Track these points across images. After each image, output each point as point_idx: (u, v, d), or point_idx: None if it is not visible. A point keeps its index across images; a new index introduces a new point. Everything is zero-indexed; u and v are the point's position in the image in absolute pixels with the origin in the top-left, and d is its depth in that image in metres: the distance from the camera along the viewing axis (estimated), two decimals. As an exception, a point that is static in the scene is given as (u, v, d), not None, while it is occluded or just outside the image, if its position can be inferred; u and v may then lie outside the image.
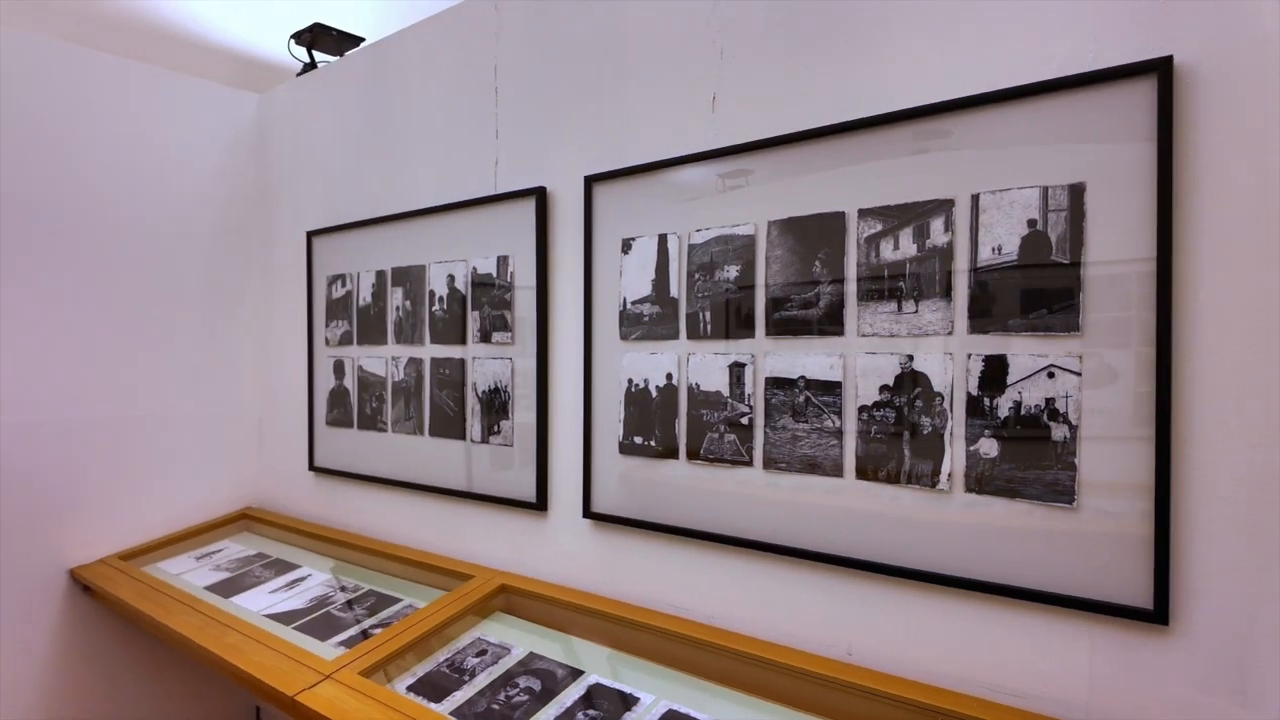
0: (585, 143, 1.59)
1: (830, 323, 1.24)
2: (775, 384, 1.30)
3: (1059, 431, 1.04)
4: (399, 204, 2.00)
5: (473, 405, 1.80)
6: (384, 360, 2.03)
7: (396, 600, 1.79)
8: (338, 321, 2.17)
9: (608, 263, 1.54)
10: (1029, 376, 1.06)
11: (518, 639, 1.54)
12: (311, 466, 2.25)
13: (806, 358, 1.27)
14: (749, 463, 1.34)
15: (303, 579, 1.98)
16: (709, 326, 1.39)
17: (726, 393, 1.37)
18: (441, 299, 1.87)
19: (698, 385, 1.40)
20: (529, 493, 1.69)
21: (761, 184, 1.32)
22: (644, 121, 1.50)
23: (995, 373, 1.09)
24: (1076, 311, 1.02)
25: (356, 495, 2.13)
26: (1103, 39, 1.01)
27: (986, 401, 1.10)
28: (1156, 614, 0.96)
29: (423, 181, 1.94)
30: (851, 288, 1.22)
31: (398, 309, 1.99)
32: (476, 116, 1.80)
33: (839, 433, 1.23)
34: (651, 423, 1.47)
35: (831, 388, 1.24)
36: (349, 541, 2.07)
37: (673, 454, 1.44)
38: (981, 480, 1.10)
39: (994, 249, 1.09)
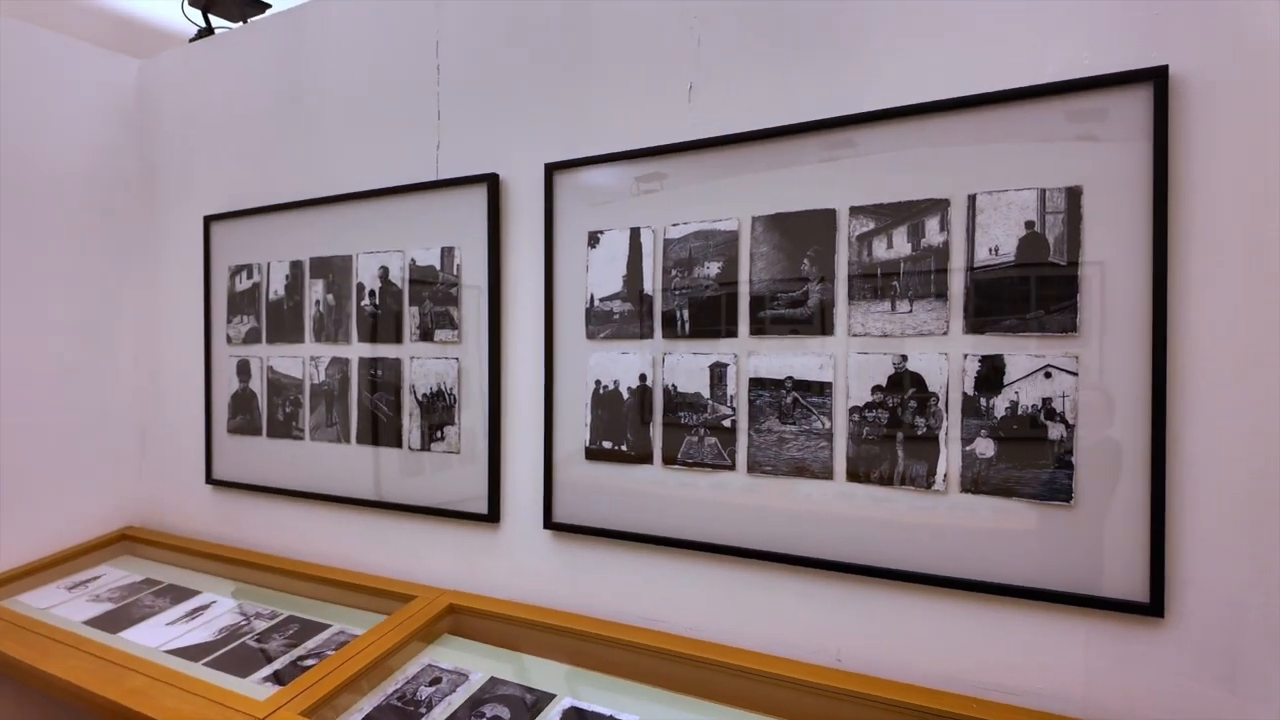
0: (544, 129, 1.49)
1: (820, 322, 1.21)
2: (760, 385, 1.26)
3: (1056, 431, 1.05)
4: (317, 188, 1.81)
5: (411, 409, 1.65)
6: (300, 361, 1.83)
7: (324, 626, 1.61)
8: (242, 317, 1.94)
9: (572, 257, 1.45)
10: (1026, 376, 1.07)
11: (474, 663, 1.42)
12: (210, 479, 2.00)
13: (795, 358, 1.23)
14: (731, 466, 1.29)
15: (205, 607, 1.75)
16: (687, 325, 1.33)
17: (707, 394, 1.31)
18: (373, 293, 1.71)
19: (674, 386, 1.34)
20: (479, 503, 1.57)
21: (744, 178, 1.28)
22: (611, 109, 1.42)
23: (992, 373, 1.09)
24: (1074, 312, 1.04)
25: (267, 511, 1.91)
26: (1098, 45, 1.03)
27: (983, 401, 1.10)
28: (1152, 607, 0.99)
29: (347, 164, 1.76)
30: (842, 286, 1.20)
31: (318, 304, 1.80)
32: (413, 95, 1.65)
33: (829, 434, 1.21)
34: (623, 426, 1.39)
35: (821, 388, 1.21)
36: (258, 562, 1.85)
37: (646, 459, 1.37)
38: (978, 480, 1.10)
39: (991, 249, 1.09)
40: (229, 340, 1.97)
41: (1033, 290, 1.06)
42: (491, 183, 1.53)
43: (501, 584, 1.55)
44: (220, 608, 1.75)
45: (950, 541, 1.12)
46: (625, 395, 1.39)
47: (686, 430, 1.33)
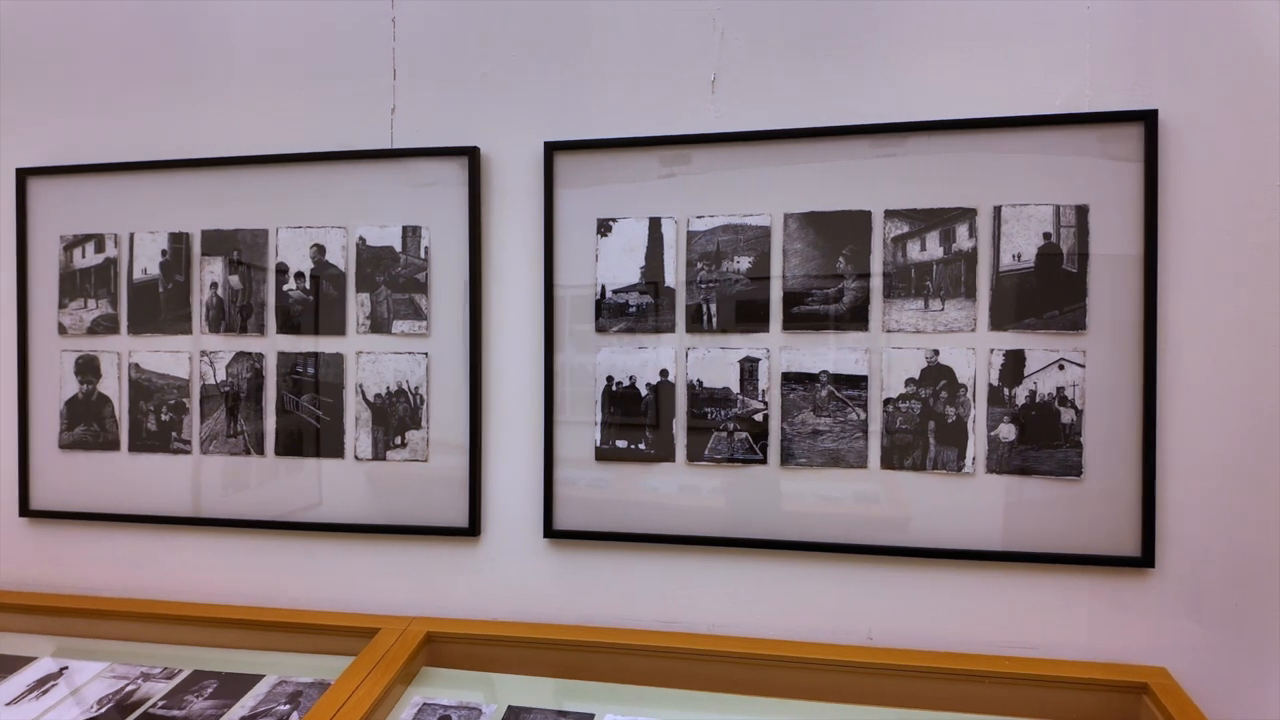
0: (537, 104, 1.37)
1: (855, 317, 1.27)
2: (793, 379, 1.29)
3: (1067, 415, 1.21)
4: (209, 146, 1.48)
5: (358, 413, 1.42)
6: (185, 357, 1.48)
7: (254, 678, 1.32)
8: (87, 302, 1.52)
9: (578, 245, 1.35)
10: (1043, 369, 1.22)
11: (479, 694, 1.27)
12: (25, 510, 1.54)
13: (831, 352, 1.27)
14: (763, 460, 1.30)
15: (53, 676, 1.35)
16: (714, 319, 1.31)
17: (736, 389, 1.30)
18: (301, 275, 1.44)
19: (700, 382, 1.31)
20: (456, 516, 1.39)
21: (775, 174, 1.29)
22: (621, 91, 1.35)
23: (1014, 365, 1.23)
24: (1083, 313, 1.21)
25: (128, 544, 1.52)
26: (1100, 84, 1.21)
27: (1006, 391, 1.23)
28: (1144, 560, 1.19)
29: (255, 121, 1.46)
30: (878, 284, 1.26)
31: (214, 286, 1.47)
32: (358, 48, 1.42)
33: (864, 425, 1.27)
34: (640, 424, 1.33)
35: (857, 381, 1.27)
36: (120, 610, 1.46)
37: (668, 457, 1.33)
38: (1002, 462, 1.23)
39: (1014, 256, 1.22)
40: (63, 331, 1.53)
41: (1049, 293, 1.21)
42: (473, 157, 1.37)
43: (481, 604, 1.40)
44: (79, 673, 1.36)
45: (977, 518, 1.24)
46: (644, 391, 1.33)
47: (714, 426, 1.31)
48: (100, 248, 1.51)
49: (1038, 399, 1.22)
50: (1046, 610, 1.23)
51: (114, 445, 1.51)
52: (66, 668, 1.38)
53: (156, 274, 1.49)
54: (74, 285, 1.52)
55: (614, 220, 1.34)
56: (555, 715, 1.20)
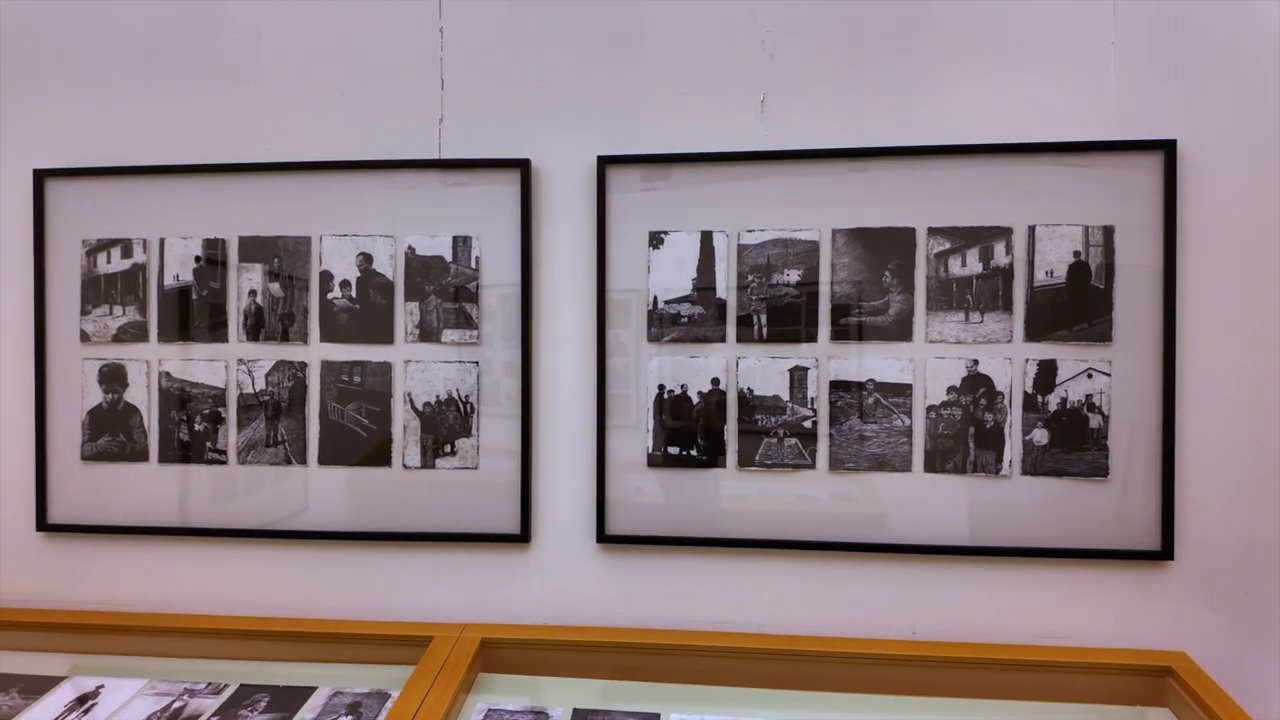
0: (588, 119, 1.40)
1: (900, 329, 1.34)
2: (841, 387, 1.35)
3: (1095, 420, 1.31)
4: (240, 149, 1.46)
5: (406, 422, 1.42)
6: (221, 365, 1.46)
7: (308, 690, 1.31)
8: (113, 308, 1.47)
9: (629, 256, 1.39)
10: (1073, 377, 1.31)
11: (544, 698, 1.29)
12: (43, 525, 1.48)
13: (877, 361, 1.34)
14: (812, 465, 1.35)
15: (93, 694, 1.31)
16: (764, 329, 1.36)
17: (786, 396, 1.36)
18: (347, 284, 1.43)
19: (750, 390, 1.36)
20: (508, 523, 1.41)
21: (823, 192, 1.35)
22: (670, 107, 1.39)
23: (1047, 374, 1.32)
24: (1109, 325, 1.30)
25: (155, 558, 1.48)
26: (1123, 114, 1.30)
27: (1039, 398, 1.32)
28: (1164, 552, 1.29)
29: (292, 127, 1.45)
30: (921, 297, 1.33)
31: (252, 294, 1.45)
32: (404, 57, 1.42)
33: (909, 431, 1.34)
34: (692, 431, 1.37)
35: (901, 389, 1.34)
36: (151, 625, 1.43)
37: (718, 463, 1.37)
38: (1036, 464, 1.32)
39: (1047, 272, 1.31)
40: (86, 338, 1.48)
41: (1078, 307, 1.31)
42: (524, 169, 1.39)
43: (532, 610, 1.42)
44: (116, 692, 1.32)
45: (1014, 518, 1.32)
46: (695, 399, 1.37)
47: (764, 433, 1.36)
48: (127, 253, 1.47)
49: (1068, 405, 1.31)
50: (1075, 601, 1.33)
51: (142, 456, 1.47)
52: (103, 686, 1.34)
53: (190, 280, 1.46)
54: (98, 291, 1.48)
55: (666, 233, 1.38)
56: (623, 715, 1.23)
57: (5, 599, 1.50)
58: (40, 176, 1.48)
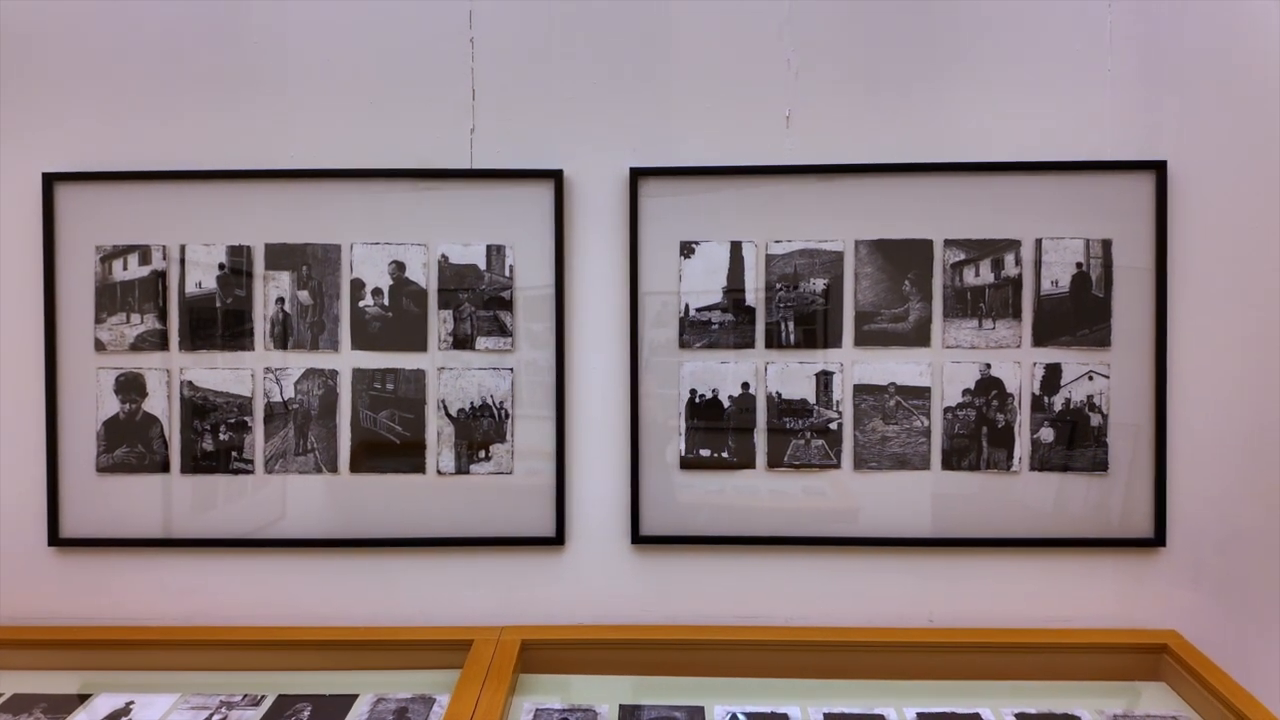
0: (619, 131, 1.44)
1: (919, 335, 1.42)
2: (864, 390, 1.42)
3: (1095, 419, 1.41)
4: (262, 155, 1.44)
5: (440, 428, 1.44)
6: (247, 374, 1.44)
7: (350, 698, 1.32)
8: (130, 316, 1.44)
9: (661, 265, 1.43)
10: (1076, 380, 1.41)
11: (585, 696, 1.32)
12: (56, 539, 1.44)
13: (898, 365, 1.42)
14: (837, 465, 1.43)
15: (124, 711, 1.29)
16: (791, 336, 1.42)
17: (813, 400, 1.42)
18: (379, 292, 1.44)
19: (778, 394, 1.42)
20: (543, 526, 1.44)
21: (847, 205, 1.42)
22: (699, 122, 1.44)
23: (1052, 377, 1.42)
24: (1108, 331, 1.41)
25: (179, 571, 1.46)
26: (1118, 136, 1.41)
27: (1046, 399, 1.42)
28: (1157, 539, 1.41)
29: (317, 135, 1.44)
30: (938, 305, 1.42)
31: (280, 302, 1.44)
32: (436, 66, 1.44)
33: (927, 431, 1.42)
34: (724, 434, 1.43)
35: (921, 392, 1.42)
36: (175, 639, 1.41)
37: (749, 464, 1.43)
38: (1042, 460, 1.42)
39: (1052, 282, 1.41)
40: (101, 347, 1.44)
41: (1080, 314, 1.41)
42: (557, 179, 1.42)
43: (567, 610, 1.45)
44: (150, 708, 1.31)
45: (1023, 511, 1.42)
46: (726, 403, 1.43)
47: (792, 435, 1.42)
48: (145, 260, 1.44)
49: (1072, 406, 1.41)
50: (1078, 587, 1.43)
51: (162, 467, 1.45)
52: (133, 702, 1.31)
53: (213, 288, 1.44)
54: (113, 299, 1.44)
55: (697, 243, 1.43)
56: (668, 709, 1.28)
57: (17, 616, 1.45)
58: (49, 180, 1.43)
